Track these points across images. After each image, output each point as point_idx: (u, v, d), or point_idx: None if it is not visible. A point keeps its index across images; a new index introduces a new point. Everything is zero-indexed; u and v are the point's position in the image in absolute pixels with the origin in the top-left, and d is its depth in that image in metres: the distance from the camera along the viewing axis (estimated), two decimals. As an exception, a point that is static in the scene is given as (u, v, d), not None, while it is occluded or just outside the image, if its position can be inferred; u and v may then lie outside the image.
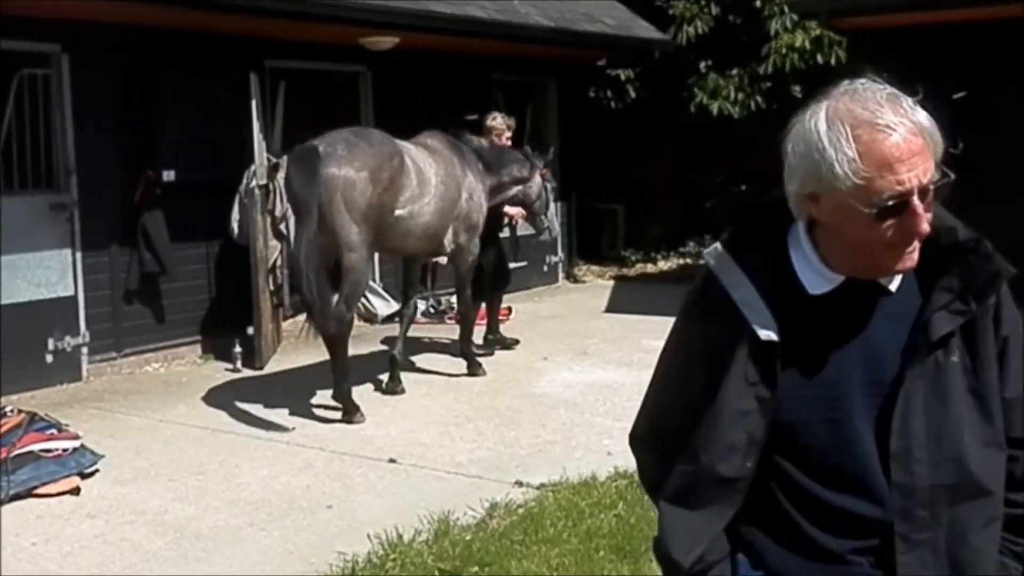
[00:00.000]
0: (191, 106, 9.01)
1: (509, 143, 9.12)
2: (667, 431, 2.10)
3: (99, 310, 8.65)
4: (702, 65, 13.70)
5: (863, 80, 1.90)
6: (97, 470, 6.08)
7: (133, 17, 8.26)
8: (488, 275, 9.08)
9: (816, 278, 1.94)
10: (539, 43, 11.34)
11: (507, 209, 9.07)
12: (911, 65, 10.16)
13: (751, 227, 2.03)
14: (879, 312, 1.94)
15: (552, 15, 11.66)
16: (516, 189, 8.77)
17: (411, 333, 10.26)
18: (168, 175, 8.90)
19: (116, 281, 8.81)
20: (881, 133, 1.80)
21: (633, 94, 14.16)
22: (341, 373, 7.25)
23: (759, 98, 13.50)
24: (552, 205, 9.08)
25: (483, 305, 9.31)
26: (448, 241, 7.94)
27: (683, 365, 2.10)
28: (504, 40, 10.91)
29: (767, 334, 1.90)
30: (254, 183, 8.79)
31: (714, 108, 13.33)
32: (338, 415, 7.22)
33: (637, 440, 2.26)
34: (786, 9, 12.53)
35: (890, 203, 1.79)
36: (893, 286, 1.95)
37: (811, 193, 1.88)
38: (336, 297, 7.13)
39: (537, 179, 8.94)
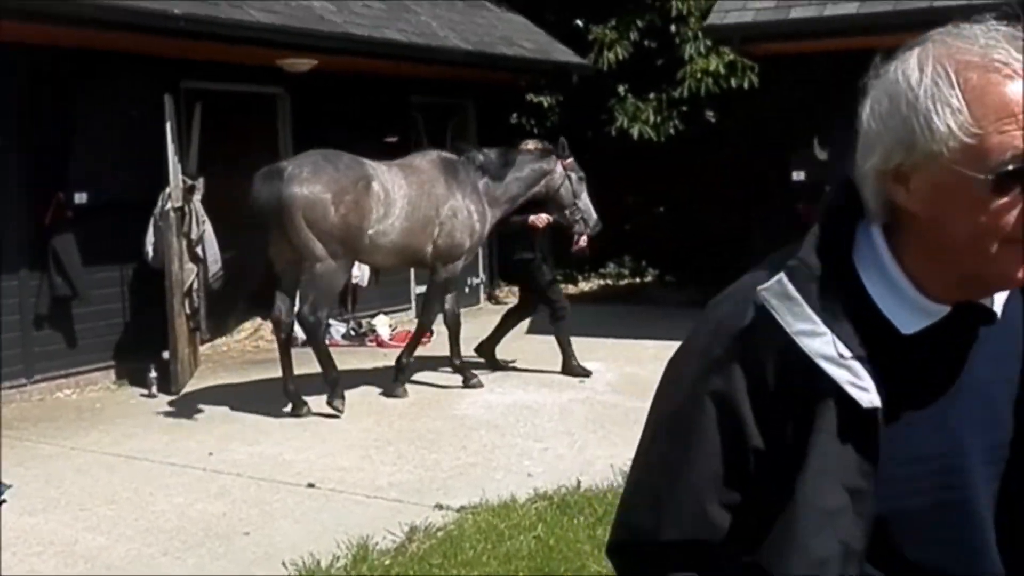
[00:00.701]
0: (104, 127, 8.86)
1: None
2: (684, 546, 1.42)
3: (8, 335, 8.43)
4: (621, 89, 13.90)
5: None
6: (4, 500, 5.91)
7: (44, 37, 8.11)
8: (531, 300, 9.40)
9: (909, 311, 1.36)
10: (457, 66, 11.40)
11: (531, 220, 8.80)
12: (824, 92, 10.45)
13: (823, 245, 1.39)
14: (983, 347, 1.40)
15: (470, 38, 11.73)
16: (539, 185, 8.66)
17: (334, 355, 10.22)
18: (80, 197, 8.73)
19: (26, 306, 8.60)
20: (997, 74, 1.29)
21: (555, 119, 14.29)
22: (327, 371, 7.94)
23: (676, 121, 13.74)
24: (585, 195, 8.82)
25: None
26: (428, 257, 8.23)
27: (710, 451, 1.40)
28: (422, 63, 10.94)
29: (869, 399, 1.31)
30: (169, 205, 8.67)
31: (634, 132, 13.51)
32: (257, 441, 7.14)
33: (628, 557, 1.51)
34: (700, 35, 12.78)
35: (1011, 167, 1.27)
36: (998, 308, 1.41)
37: (898, 168, 1.33)
38: (300, 304, 7.92)
39: (559, 169, 8.72)
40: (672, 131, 13.71)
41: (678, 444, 1.44)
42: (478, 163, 8.39)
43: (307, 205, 7.47)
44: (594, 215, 8.82)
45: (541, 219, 8.79)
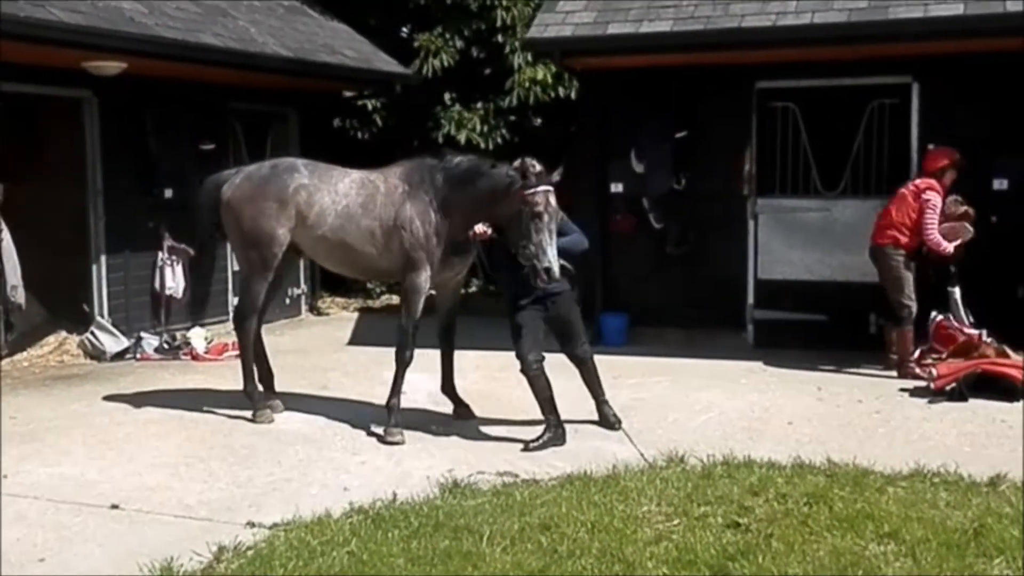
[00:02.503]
0: None
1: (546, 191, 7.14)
2: None
3: None
4: (447, 97, 13.94)
5: None
6: None
7: None
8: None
9: None
10: (276, 73, 11.18)
11: (474, 230, 7.57)
12: (637, 103, 10.75)
13: None
14: None
15: (290, 45, 11.52)
16: (492, 205, 7.37)
17: (146, 370, 9.87)
18: None
19: None
20: None
21: (380, 123, 14.21)
22: (245, 373, 8.13)
23: (503, 130, 13.87)
24: (543, 235, 6.96)
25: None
26: (384, 267, 7.93)
27: None
28: (240, 69, 10.68)
29: None
30: (-37, 213, 8.18)
31: (461, 138, 13.56)
32: (58, 461, 6.80)
33: None
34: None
35: None
36: None
37: None
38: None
39: (517, 196, 7.11)
40: (499, 140, 13.83)
41: None
42: (449, 167, 7.60)
43: (226, 211, 7.92)
44: (547, 261, 6.96)
45: (478, 229, 7.58)
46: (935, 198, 8.94)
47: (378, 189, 7.69)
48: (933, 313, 9.23)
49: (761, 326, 10.56)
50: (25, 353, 10.17)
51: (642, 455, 6.81)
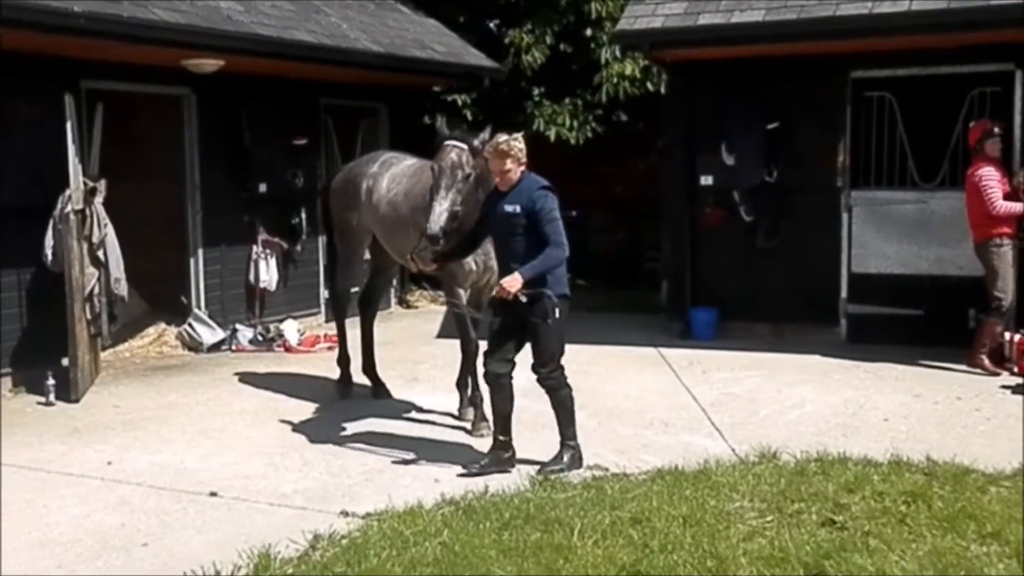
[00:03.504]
0: (1, 127, 8.58)
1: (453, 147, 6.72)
2: None
3: None
4: (536, 93, 13.94)
5: None
6: None
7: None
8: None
9: None
10: (368, 68, 11.30)
11: None
12: (727, 95, 10.61)
13: None
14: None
15: (382, 41, 11.64)
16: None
17: (240, 361, 10.08)
18: (-26, 199, 8.45)
19: (-83, 312, 8.30)
20: None
21: (469, 118, 14.24)
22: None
23: (593, 125, 13.84)
24: (436, 193, 6.53)
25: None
26: None
27: None
28: (332, 65, 10.82)
29: None
30: (69, 208, 8.43)
31: (551, 134, 13.56)
32: (159, 449, 6.99)
33: None
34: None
35: None
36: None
37: None
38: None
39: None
40: (589, 134, 13.81)
41: None
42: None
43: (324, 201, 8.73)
44: (432, 224, 6.49)
45: None
46: (985, 172, 8.88)
47: (422, 176, 7.58)
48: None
49: (854, 321, 10.37)
50: (127, 344, 10.48)
51: (733, 450, 6.74)
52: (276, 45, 9.90)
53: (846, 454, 6.35)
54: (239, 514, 5.79)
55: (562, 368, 6.46)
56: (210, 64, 9.72)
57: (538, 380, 6.44)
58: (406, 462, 6.68)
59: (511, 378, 6.49)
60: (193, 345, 10.59)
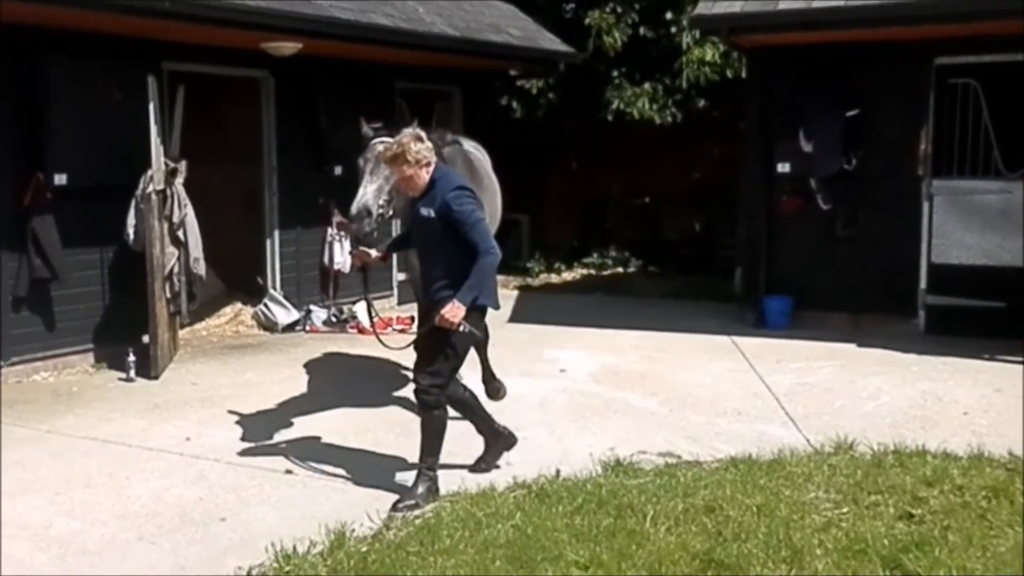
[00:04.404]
0: (85, 108, 8.76)
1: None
2: None
3: (-15, 317, 8.36)
4: (615, 73, 13.84)
5: None
6: (-22, 483, 5.87)
7: (25, 16, 8.00)
8: None
9: None
10: (444, 52, 11.32)
11: None
12: (806, 81, 10.44)
13: None
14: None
15: (457, 24, 11.66)
16: None
17: (314, 342, 10.20)
18: (60, 178, 8.64)
19: (3, 287, 8.52)
20: None
21: (544, 102, 14.19)
22: None
23: (673, 109, 13.72)
24: (361, 183, 6.26)
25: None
26: None
27: None
28: (409, 48, 10.86)
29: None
30: (151, 188, 8.59)
31: (634, 112, 13.46)
32: (236, 427, 7.11)
33: None
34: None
35: None
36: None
37: None
38: None
39: None
40: (669, 118, 13.70)
41: None
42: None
43: None
44: (353, 204, 6.25)
45: None
46: None
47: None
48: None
49: (934, 312, 10.16)
50: (204, 323, 10.67)
51: (808, 440, 6.66)
52: (354, 28, 9.96)
53: (924, 447, 6.24)
54: (314, 492, 5.87)
55: (444, 387, 5.75)
56: (289, 47, 9.82)
57: (417, 391, 5.75)
58: (475, 445, 6.70)
59: (462, 387, 6.13)
60: (268, 325, 10.74)
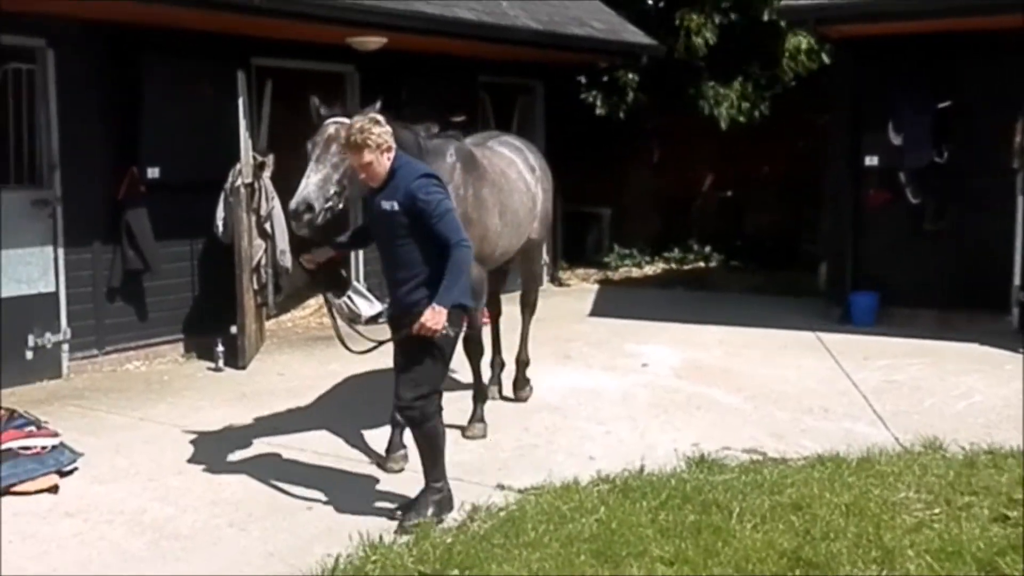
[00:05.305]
0: (177, 103, 8.96)
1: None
2: None
3: (81, 307, 8.60)
4: (705, 75, 13.64)
5: None
6: (76, 468, 6.04)
7: (119, 13, 8.21)
8: None
9: None
10: (527, 46, 11.33)
11: None
12: (896, 72, 10.22)
13: None
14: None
15: (541, 18, 11.65)
16: None
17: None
18: (152, 172, 8.86)
19: (99, 278, 8.76)
20: None
21: (631, 96, 14.04)
22: None
23: (762, 108, 13.50)
24: (306, 172, 5.63)
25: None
26: None
27: None
28: (492, 42, 10.89)
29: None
30: (239, 181, 8.76)
31: (723, 121, 13.27)
32: (321, 417, 7.21)
33: None
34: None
35: None
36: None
37: None
38: None
39: None
40: (758, 116, 13.49)
41: None
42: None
43: None
44: (294, 198, 5.60)
45: None
46: None
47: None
48: None
49: (1028, 309, 9.89)
50: (289, 314, 10.84)
51: (897, 439, 6.53)
52: (438, 22, 10.02)
53: (1019, 448, 6.08)
54: (399, 482, 5.92)
55: (438, 394, 5.29)
56: (374, 42, 9.92)
57: (401, 408, 5.34)
58: (558, 439, 6.70)
59: (440, 418, 5.44)
60: (352, 317, 10.81)
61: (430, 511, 5.22)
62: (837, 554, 4.60)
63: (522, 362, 7.78)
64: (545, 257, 13.44)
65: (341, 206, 5.71)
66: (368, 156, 5.12)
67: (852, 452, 6.13)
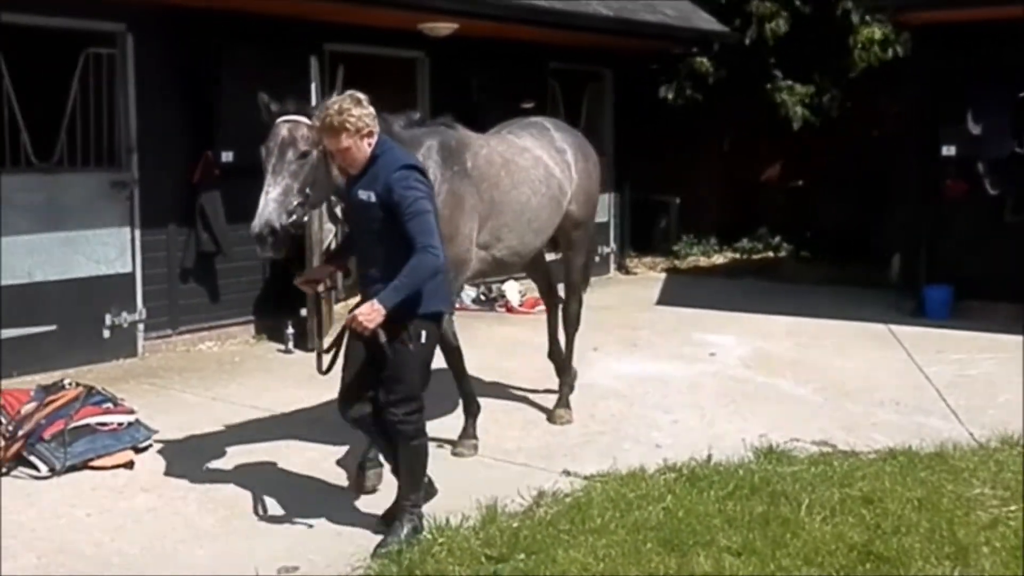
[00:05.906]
0: (251, 88, 9.03)
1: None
2: None
3: (156, 287, 8.77)
4: (777, 70, 13.46)
5: None
6: (150, 445, 6.17)
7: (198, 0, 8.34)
8: None
9: None
10: (598, 32, 11.28)
11: None
12: (976, 61, 9.99)
13: None
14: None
15: (612, 4, 11.59)
16: None
17: (463, 319, 10.32)
18: (227, 156, 8.98)
19: (173, 259, 8.92)
20: None
21: (711, 81, 13.87)
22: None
23: (835, 105, 13.29)
24: (263, 189, 5.08)
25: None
26: None
27: None
28: (563, 29, 10.86)
29: None
30: (310, 166, 8.83)
31: (796, 119, 13.11)
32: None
33: None
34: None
35: None
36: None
37: None
38: None
39: None
40: (834, 113, 13.29)
41: None
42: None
43: None
44: (254, 221, 4.99)
45: None
46: None
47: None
48: None
49: (1109, 305, 9.63)
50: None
51: (971, 435, 6.41)
52: (509, 9, 10.03)
53: (1099, 446, 5.94)
54: (465, 467, 5.96)
55: (422, 409, 4.90)
56: (445, 27, 9.95)
57: (395, 423, 4.85)
58: (624, 427, 6.69)
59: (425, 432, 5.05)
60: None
61: (404, 535, 4.77)
62: (909, 549, 4.53)
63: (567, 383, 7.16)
64: (612, 245, 13.42)
65: (307, 218, 5.25)
66: (346, 141, 4.65)
67: (924, 446, 6.04)
